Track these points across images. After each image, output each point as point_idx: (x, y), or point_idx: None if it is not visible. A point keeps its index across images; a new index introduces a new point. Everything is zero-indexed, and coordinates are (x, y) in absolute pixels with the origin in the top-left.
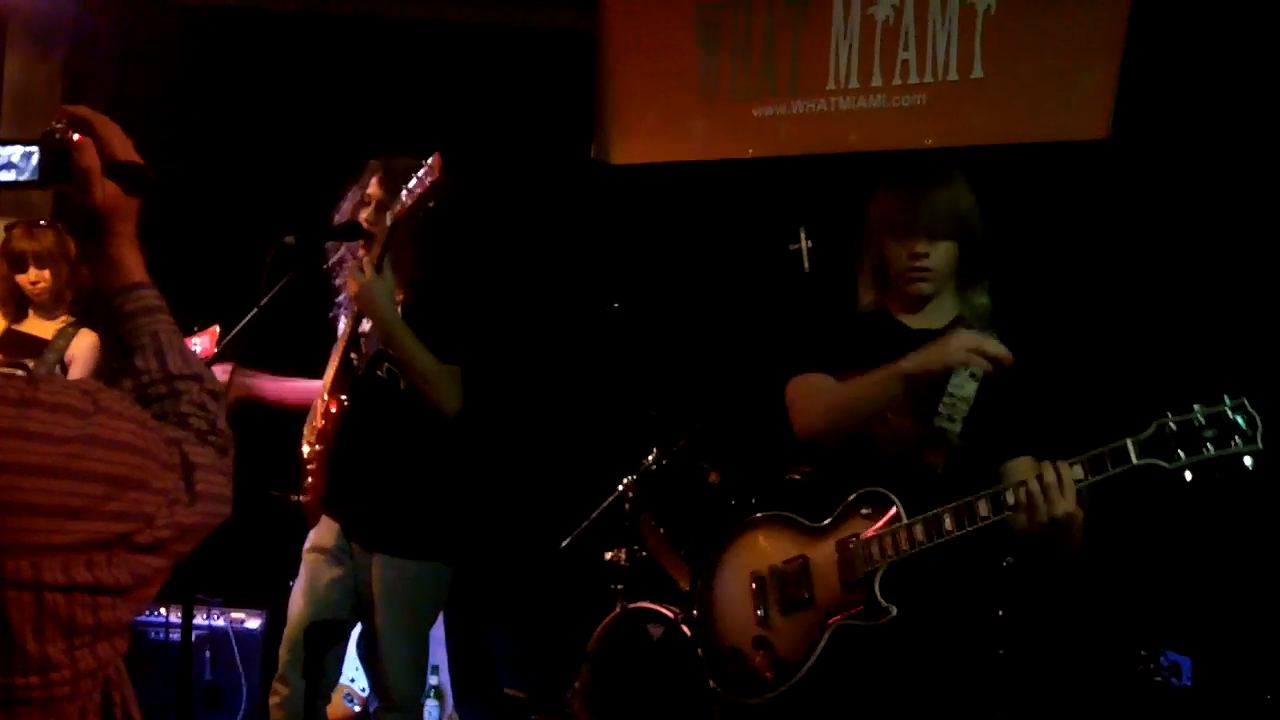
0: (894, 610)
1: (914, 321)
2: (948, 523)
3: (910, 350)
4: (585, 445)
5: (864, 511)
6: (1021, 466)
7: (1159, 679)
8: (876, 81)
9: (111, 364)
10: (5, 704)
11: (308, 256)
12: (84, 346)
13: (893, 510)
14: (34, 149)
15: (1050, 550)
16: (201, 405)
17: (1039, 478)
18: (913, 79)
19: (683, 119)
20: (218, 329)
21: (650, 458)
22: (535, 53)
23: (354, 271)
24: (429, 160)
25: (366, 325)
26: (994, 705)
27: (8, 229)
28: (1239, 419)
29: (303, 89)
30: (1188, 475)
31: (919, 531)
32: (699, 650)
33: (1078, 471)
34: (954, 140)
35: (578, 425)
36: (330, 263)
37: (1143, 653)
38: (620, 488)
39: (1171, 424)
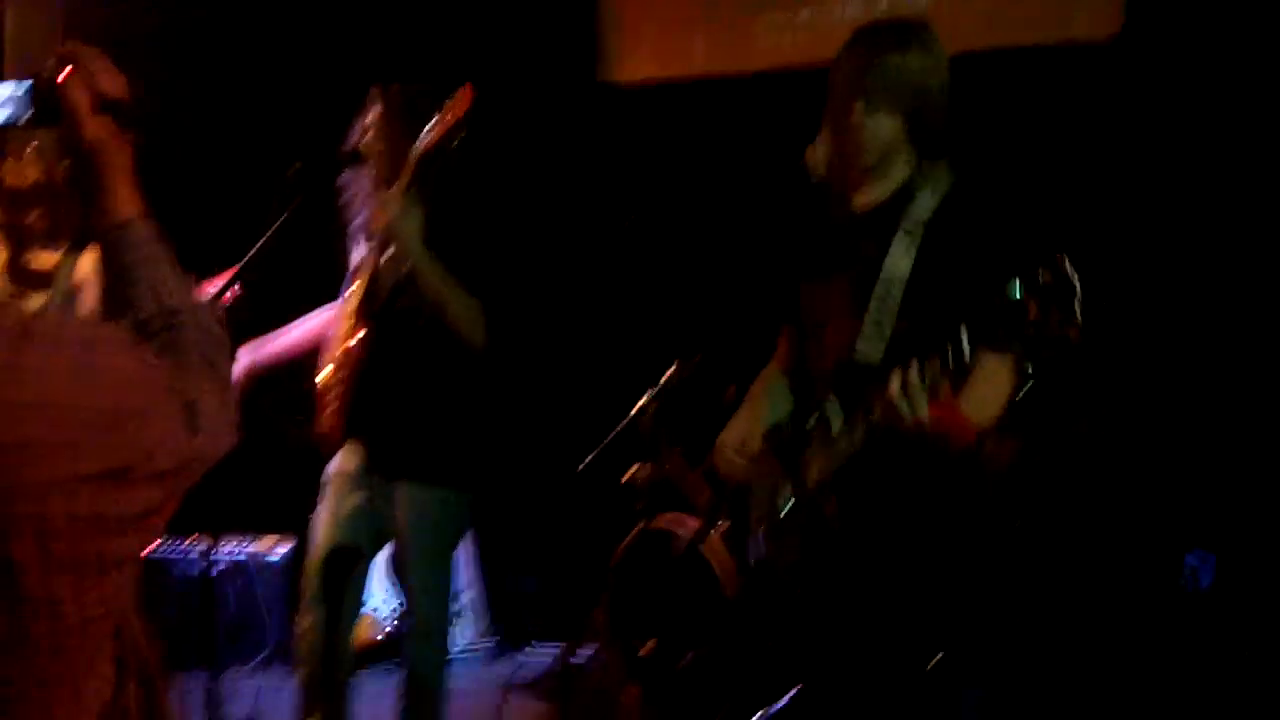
0: (836, 525)
1: (859, 198)
2: (859, 432)
3: (850, 240)
4: (602, 365)
5: (810, 424)
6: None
7: (1183, 580)
8: None
9: (109, 299)
10: (17, 643)
11: (312, 186)
12: (89, 269)
13: (830, 420)
14: (25, 89)
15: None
16: (202, 336)
17: (889, 384)
18: None
19: (688, 34)
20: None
21: (666, 376)
22: None
23: (382, 204)
24: (456, 93)
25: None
26: (1008, 615)
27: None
28: (1058, 289)
29: (301, 19)
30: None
31: (843, 443)
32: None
33: (931, 370)
34: (960, 45)
35: (594, 344)
36: (342, 195)
37: (1167, 554)
38: (637, 407)
39: (995, 303)
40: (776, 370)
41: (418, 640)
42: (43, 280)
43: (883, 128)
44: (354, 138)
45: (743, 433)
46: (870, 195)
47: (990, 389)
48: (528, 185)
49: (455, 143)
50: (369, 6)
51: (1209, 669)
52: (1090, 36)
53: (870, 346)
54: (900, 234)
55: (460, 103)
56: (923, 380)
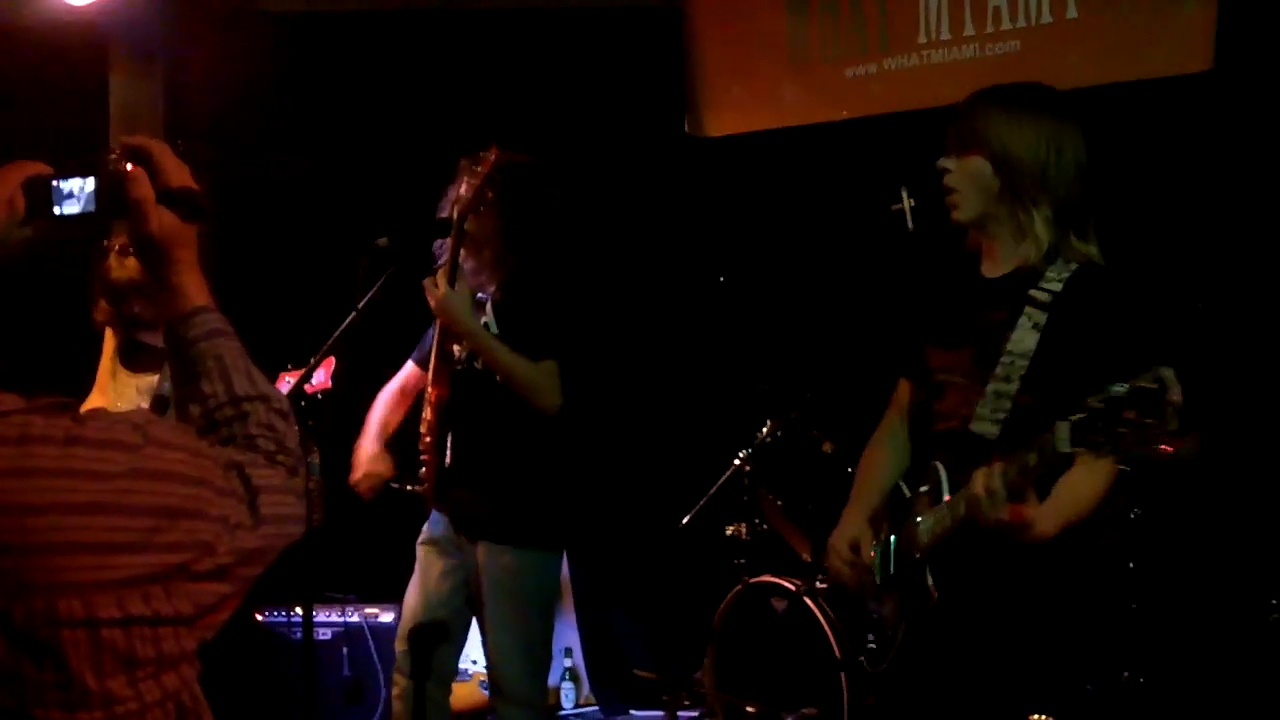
0: (935, 595)
1: (991, 267)
2: (959, 508)
3: (979, 308)
4: (699, 422)
5: (923, 489)
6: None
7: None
8: (969, 31)
9: (178, 389)
10: None
11: (402, 258)
12: None
13: (941, 488)
14: (91, 180)
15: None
16: (269, 426)
17: (973, 482)
18: (1005, 25)
19: (775, 86)
20: (334, 360)
21: (764, 431)
22: (622, 32)
23: (429, 287)
24: (484, 153)
25: None
26: (1120, 664)
27: (108, 251)
28: (1155, 395)
29: (398, 88)
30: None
31: (946, 518)
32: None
33: (1012, 472)
34: (1051, 86)
35: (690, 402)
36: (436, 265)
37: (1274, 601)
38: (736, 462)
39: (1096, 402)
40: (897, 420)
41: (501, 705)
42: (154, 355)
43: (967, 178)
44: (444, 208)
45: (853, 535)
46: (1002, 265)
47: (1079, 490)
48: (620, 242)
49: (486, 201)
50: (460, 73)
51: None
52: (1183, 70)
53: (986, 419)
54: (1028, 308)
55: (484, 161)
56: (1005, 481)
